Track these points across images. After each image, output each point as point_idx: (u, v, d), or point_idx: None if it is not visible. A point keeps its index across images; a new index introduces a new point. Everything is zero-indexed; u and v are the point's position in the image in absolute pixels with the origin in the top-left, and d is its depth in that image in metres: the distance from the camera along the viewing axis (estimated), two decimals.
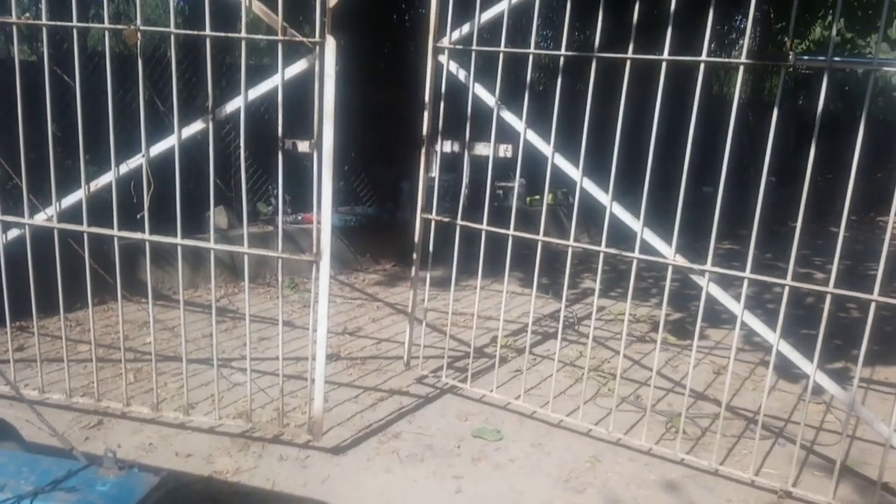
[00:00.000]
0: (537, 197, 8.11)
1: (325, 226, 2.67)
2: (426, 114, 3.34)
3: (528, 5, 2.92)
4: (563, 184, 7.49)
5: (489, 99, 3.17)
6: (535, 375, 3.95)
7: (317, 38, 2.51)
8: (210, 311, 3.04)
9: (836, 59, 2.22)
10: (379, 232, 6.57)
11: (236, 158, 5.37)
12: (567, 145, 3.04)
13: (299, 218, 6.08)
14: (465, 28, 3.21)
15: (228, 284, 5.32)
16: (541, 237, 3.14)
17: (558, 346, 3.51)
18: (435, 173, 3.45)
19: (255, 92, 2.67)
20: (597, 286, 3.02)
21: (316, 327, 2.79)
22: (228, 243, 5.51)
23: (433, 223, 3.42)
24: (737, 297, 2.67)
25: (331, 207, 2.64)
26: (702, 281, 2.63)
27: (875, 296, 2.40)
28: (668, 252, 2.74)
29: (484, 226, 3.24)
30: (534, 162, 3.10)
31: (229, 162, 5.59)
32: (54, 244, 2.87)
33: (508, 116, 3.15)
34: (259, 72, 2.80)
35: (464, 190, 3.38)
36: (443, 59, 3.21)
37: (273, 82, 2.62)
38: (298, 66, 2.60)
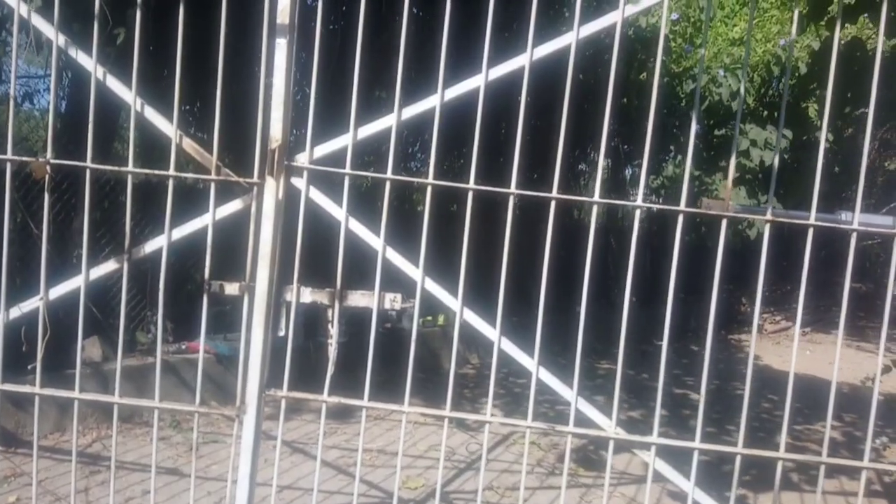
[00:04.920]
0: (430, 318, 8.09)
1: (253, 375, 2.44)
2: (267, 248, 2.38)
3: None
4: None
5: (368, 236, 2.45)
6: None
7: (255, 179, 2.38)
8: (84, 458, 2.64)
9: (687, 209, 2.34)
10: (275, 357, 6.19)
11: (114, 282, 4.98)
12: (444, 270, 2.71)
13: (183, 347, 5.63)
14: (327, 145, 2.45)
15: (101, 426, 4.73)
16: (447, 412, 2.53)
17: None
18: (286, 331, 2.49)
19: (181, 231, 2.47)
20: (523, 472, 2.63)
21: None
22: (102, 379, 5.01)
23: (284, 401, 2.48)
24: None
25: (261, 355, 2.42)
26: (646, 455, 2.40)
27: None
28: (606, 423, 2.45)
29: (365, 402, 2.49)
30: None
31: (105, 286, 5.15)
32: None
33: (396, 258, 2.46)
34: (187, 205, 2.61)
35: (333, 353, 2.50)
36: (298, 182, 2.41)
37: (202, 222, 2.44)
38: (233, 206, 2.45)
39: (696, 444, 2.39)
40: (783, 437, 2.43)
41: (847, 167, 11.75)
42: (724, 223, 2.32)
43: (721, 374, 8.57)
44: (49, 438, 4.46)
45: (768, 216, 2.31)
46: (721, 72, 9.80)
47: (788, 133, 9.78)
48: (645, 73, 9.36)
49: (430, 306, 8.34)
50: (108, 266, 2.50)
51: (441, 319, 8.27)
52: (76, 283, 2.47)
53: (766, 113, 11.03)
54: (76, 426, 2.63)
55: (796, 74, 10.02)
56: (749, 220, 8.98)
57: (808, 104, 10.41)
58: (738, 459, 2.40)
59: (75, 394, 2.52)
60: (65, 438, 4.51)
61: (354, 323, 5.31)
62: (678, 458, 2.53)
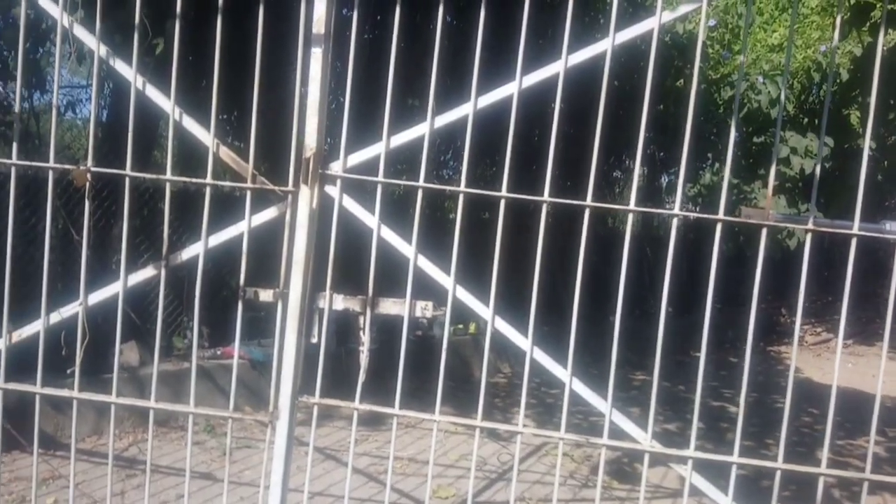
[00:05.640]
0: (461, 326, 8.07)
1: (286, 381, 2.46)
2: (300, 255, 2.39)
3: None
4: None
5: (400, 244, 2.43)
6: None
7: (290, 188, 2.40)
8: (120, 461, 2.68)
9: (726, 217, 2.29)
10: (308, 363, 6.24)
11: (152, 288, 5.07)
12: (475, 278, 2.69)
13: (218, 352, 5.70)
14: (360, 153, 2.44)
15: (138, 429, 4.81)
16: (479, 422, 2.47)
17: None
18: (319, 338, 2.50)
19: (217, 238, 2.50)
20: (556, 484, 2.54)
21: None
22: (138, 383, 5.09)
23: (316, 408, 2.47)
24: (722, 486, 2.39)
25: (294, 362, 2.43)
26: (683, 470, 2.33)
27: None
28: (642, 436, 2.39)
29: (396, 410, 2.49)
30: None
31: (143, 292, 5.25)
32: None
33: (428, 266, 2.42)
34: (223, 212, 2.65)
35: (364, 360, 2.48)
36: (332, 190, 2.41)
37: (238, 229, 2.47)
38: (268, 214, 2.47)
39: (735, 458, 2.33)
40: (825, 453, 2.35)
41: (891, 175, 11.44)
42: (764, 232, 2.26)
43: (760, 387, 8.38)
44: (87, 441, 4.55)
45: (810, 225, 2.25)
46: (760, 78, 9.64)
47: (830, 141, 9.57)
48: (682, 80, 9.25)
49: (462, 314, 8.32)
50: (147, 272, 2.55)
51: (472, 328, 8.25)
52: (115, 288, 2.52)
53: (806, 120, 10.81)
54: (113, 430, 2.67)
55: (838, 81, 9.80)
56: (789, 229, 8.80)
57: (849, 111, 10.17)
58: (777, 475, 2.34)
59: (112, 398, 2.56)
60: (102, 442, 4.59)
61: (385, 330, 5.31)
62: (715, 472, 2.47)
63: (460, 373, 7.55)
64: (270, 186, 2.42)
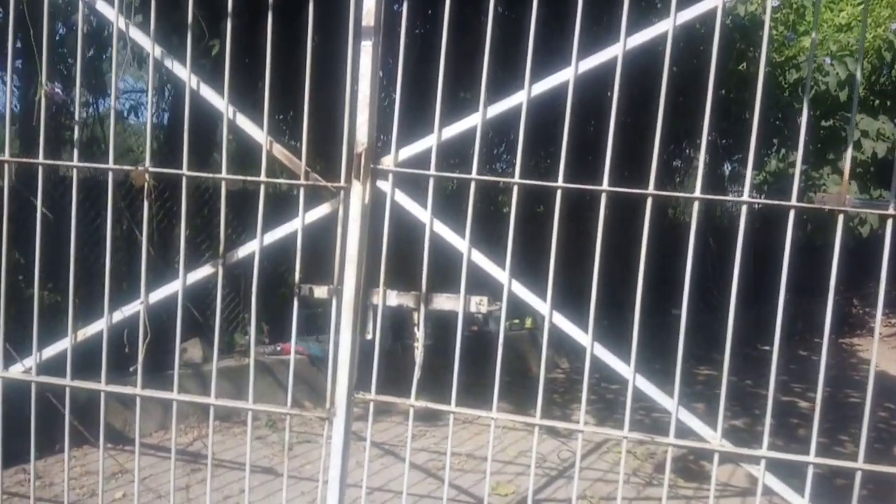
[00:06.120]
0: (517, 321, 7.99)
1: (342, 377, 2.45)
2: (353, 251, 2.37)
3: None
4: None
5: (453, 238, 2.37)
6: None
7: (342, 184, 2.39)
8: (185, 456, 2.73)
9: (799, 204, 2.15)
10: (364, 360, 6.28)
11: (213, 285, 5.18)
12: (531, 272, 2.63)
13: (278, 349, 5.79)
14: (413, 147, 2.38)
15: (202, 424, 4.92)
16: (538, 419, 2.46)
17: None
18: (374, 334, 2.53)
19: (273, 236, 2.51)
20: (620, 482, 2.49)
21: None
22: (201, 379, 5.21)
23: (372, 404, 2.45)
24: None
25: (349, 358, 2.43)
26: (755, 470, 2.20)
27: None
28: (710, 434, 2.26)
29: (452, 407, 2.44)
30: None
31: (206, 289, 5.37)
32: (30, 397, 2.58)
33: (482, 260, 2.37)
34: (278, 210, 2.66)
35: (419, 357, 2.45)
36: (384, 185, 2.39)
37: (292, 226, 2.47)
38: (321, 210, 2.47)
39: (811, 458, 2.21)
40: None
41: None
42: (840, 219, 2.13)
43: (832, 381, 8.01)
44: (153, 437, 4.68)
45: (891, 210, 2.11)
46: (827, 59, 9.20)
47: None
48: (745, 64, 8.90)
49: (518, 309, 8.25)
50: (205, 270, 2.58)
51: (528, 322, 8.16)
52: (174, 287, 2.56)
53: (877, 102, 10.28)
54: (175, 425, 2.72)
55: None
56: (861, 216, 8.39)
57: None
58: (858, 475, 2.21)
59: (174, 395, 2.60)
60: (168, 436, 4.70)
61: (440, 326, 5.29)
62: (786, 470, 2.35)
63: (517, 368, 7.48)
64: (323, 183, 2.42)
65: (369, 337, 2.48)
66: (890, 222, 2.11)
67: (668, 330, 4.40)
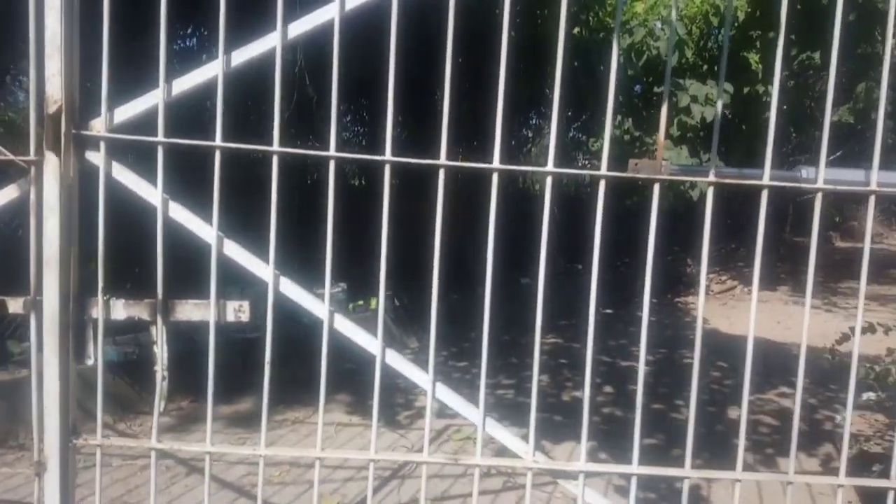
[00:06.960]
0: (360, 302, 7.51)
1: (51, 419, 1.83)
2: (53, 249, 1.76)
3: None
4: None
5: (198, 226, 1.83)
6: None
7: (31, 157, 1.75)
8: None
9: (610, 173, 1.85)
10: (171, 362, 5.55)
11: None
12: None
13: None
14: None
15: None
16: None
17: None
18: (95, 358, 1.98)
19: None
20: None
21: None
22: None
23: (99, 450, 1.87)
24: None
25: (58, 392, 1.81)
26: (574, 487, 1.86)
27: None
28: (523, 449, 1.90)
29: (208, 446, 1.97)
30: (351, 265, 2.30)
31: None
32: None
33: (239, 252, 1.85)
34: None
35: (161, 378, 1.89)
36: (95, 156, 1.79)
37: None
38: (6, 195, 1.81)
39: (634, 468, 1.88)
40: (744, 415, 1.94)
41: (793, 120, 11.49)
42: (656, 188, 1.79)
43: (669, 341, 8.21)
44: None
45: (711, 177, 1.79)
46: (658, 24, 9.32)
47: (729, 87, 9.40)
48: (579, 28, 8.81)
49: (360, 289, 7.76)
50: None
51: (373, 303, 7.70)
52: None
53: (705, 67, 10.64)
54: None
55: (735, 25, 9.63)
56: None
57: (748, 54, 10.04)
58: (686, 483, 1.92)
59: None
60: None
61: (261, 315, 4.71)
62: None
63: (361, 354, 6.99)
64: (6, 155, 1.76)
65: (90, 362, 1.87)
66: (711, 189, 1.80)
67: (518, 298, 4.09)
